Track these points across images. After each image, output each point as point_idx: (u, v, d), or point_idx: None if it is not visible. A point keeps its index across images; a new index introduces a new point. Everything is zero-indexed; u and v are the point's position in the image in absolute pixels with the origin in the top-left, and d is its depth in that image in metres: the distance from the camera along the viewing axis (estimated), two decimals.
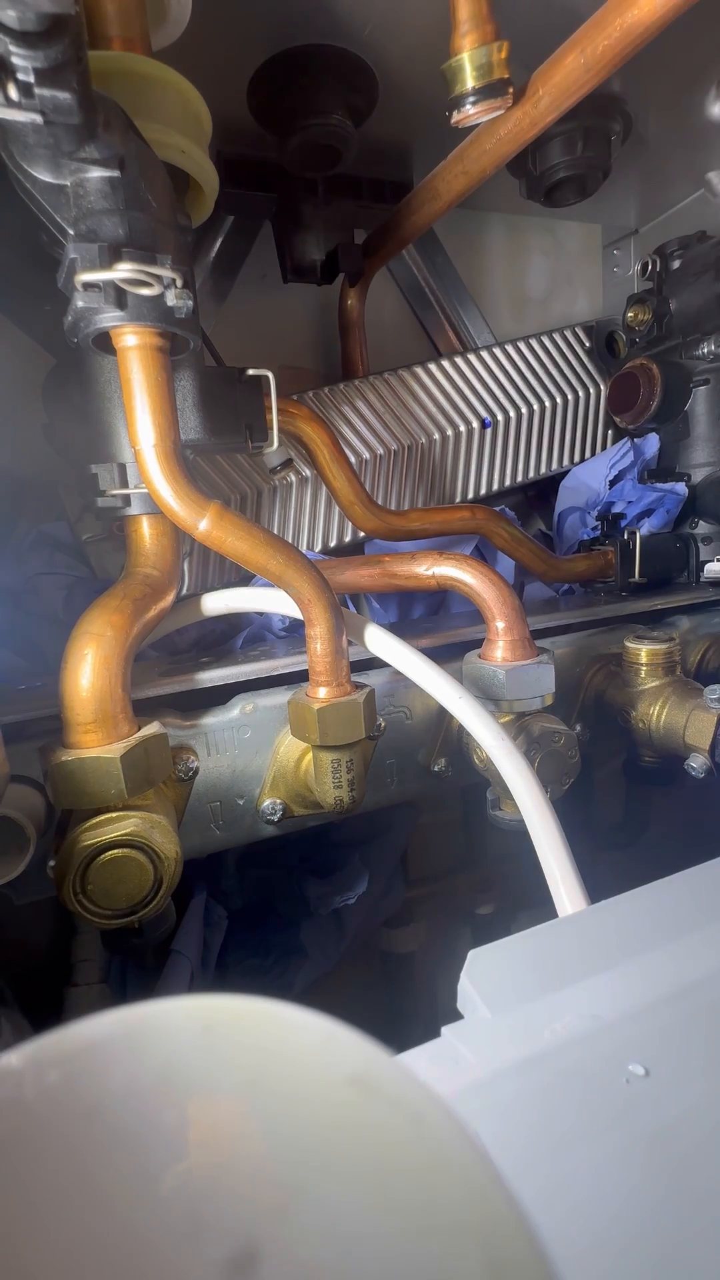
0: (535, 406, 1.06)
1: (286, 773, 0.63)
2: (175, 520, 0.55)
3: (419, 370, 0.99)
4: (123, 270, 0.48)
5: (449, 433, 1.00)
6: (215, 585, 0.86)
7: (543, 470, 1.08)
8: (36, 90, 0.41)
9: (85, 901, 0.49)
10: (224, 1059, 0.15)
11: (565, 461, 1.09)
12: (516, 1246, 0.13)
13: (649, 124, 0.94)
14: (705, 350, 0.95)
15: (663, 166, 1.08)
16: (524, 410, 1.05)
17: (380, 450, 0.96)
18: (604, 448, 1.11)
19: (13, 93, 0.41)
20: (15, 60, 0.39)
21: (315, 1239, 0.13)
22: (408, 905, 1.13)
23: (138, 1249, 0.12)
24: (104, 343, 0.55)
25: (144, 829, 0.49)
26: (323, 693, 0.57)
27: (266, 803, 0.63)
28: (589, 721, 0.80)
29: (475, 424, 1.02)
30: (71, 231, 0.49)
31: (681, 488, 0.97)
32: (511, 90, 0.64)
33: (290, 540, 0.89)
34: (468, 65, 0.63)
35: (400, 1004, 1.18)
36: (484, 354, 1.04)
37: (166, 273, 0.50)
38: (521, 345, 1.06)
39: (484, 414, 1.03)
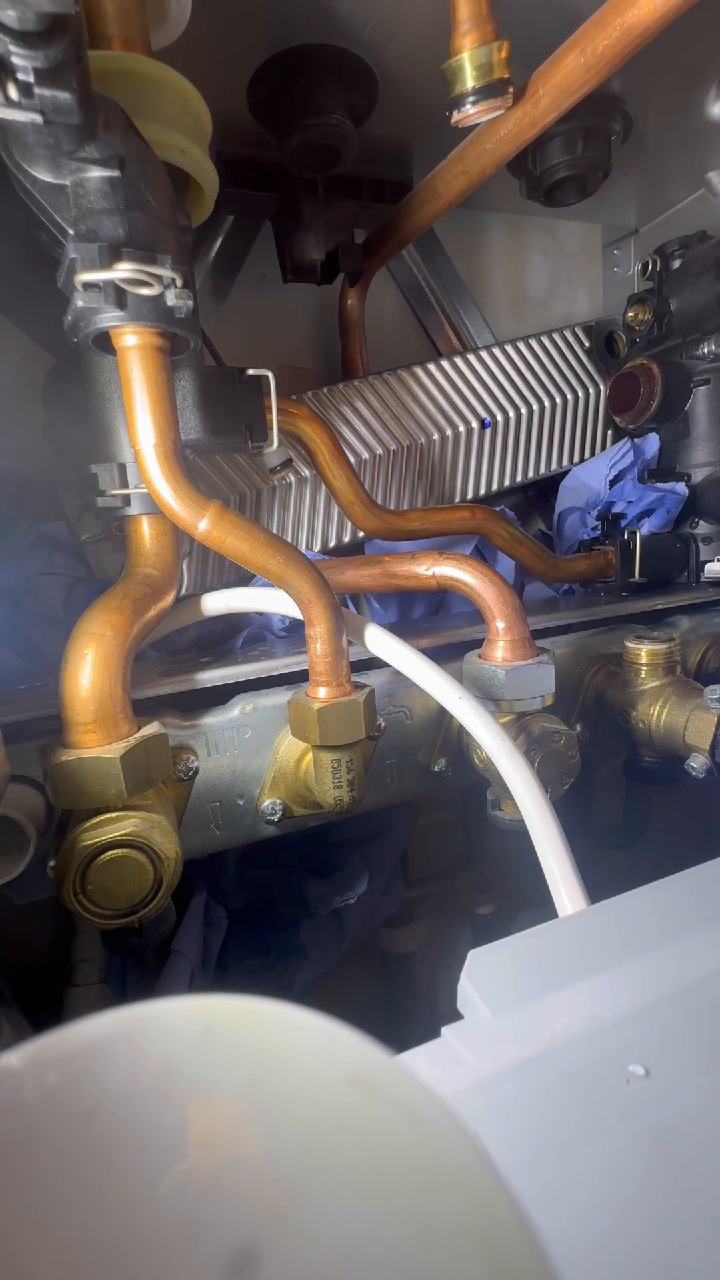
0: (535, 406, 1.06)
1: (286, 773, 0.63)
2: (175, 520, 0.55)
3: (419, 370, 0.99)
4: (123, 270, 0.48)
5: (449, 433, 1.00)
6: (215, 585, 0.86)
7: (543, 470, 1.08)
8: (36, 90, 0.41)
9: (85, 901, 0.49)
10: (224, 1059, 0.15)
11: (565, 461, 1.09)
12: (517, 1248, 0.13)
13: (649, 124, 0.94)
14: (705, 350, 0.95)
15: (663, 166, 1.08)
16: (524, 410, 1.05)
17: (380, 450, 0.96)
18: (604, 448, 1.11)
19: (13, 93, 0.41)
20: (15, 60, 0.39)
21: (315, 1240, 0.13)
22: (408, 905, 1.13)
23: (137, 1250, 0.12)
24: (104, 342, 0.55)
25: (144, 829, 0.49)
26: (323, 693, 0.57)
27: (266, 803, 0.63)
28: (589, 721, 0.80)
29: (475, 424, 1.02)
30: (71, 231, 0.49)
31: (682, 488, 0.97)
32: (511, 90, 0.64)
33: (290, 540, 0.89)
34: (468, 65, 0.63)
35: (400, 1004, 1.18)
36: (484, 354, 1.04)
37: (166, 273, 0.50)
38: (521, 345, 1.06)
39: (484, 414, 1.02)
